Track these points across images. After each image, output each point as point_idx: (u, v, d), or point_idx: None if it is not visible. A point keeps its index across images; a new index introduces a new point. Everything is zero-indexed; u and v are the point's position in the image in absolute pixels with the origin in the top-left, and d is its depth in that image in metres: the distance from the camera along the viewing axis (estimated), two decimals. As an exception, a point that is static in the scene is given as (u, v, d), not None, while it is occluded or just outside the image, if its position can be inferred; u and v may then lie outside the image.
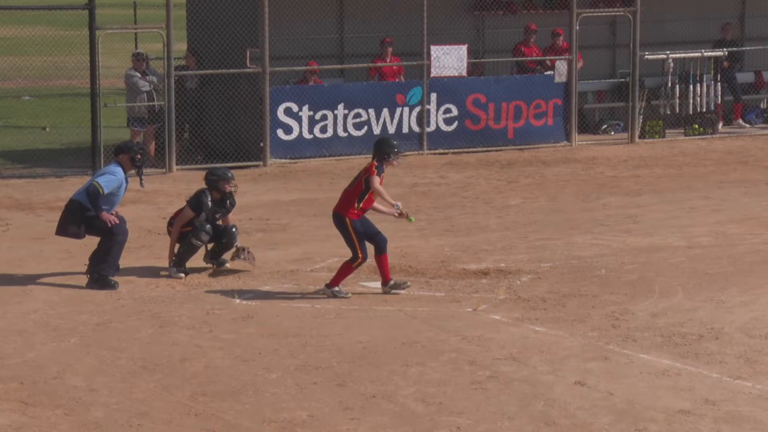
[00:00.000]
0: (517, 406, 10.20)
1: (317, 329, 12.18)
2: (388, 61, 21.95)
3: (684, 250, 15.19)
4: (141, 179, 14.29)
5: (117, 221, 13.74)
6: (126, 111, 21.27)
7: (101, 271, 13.63)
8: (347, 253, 13.12)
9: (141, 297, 13.32)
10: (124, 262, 14.17)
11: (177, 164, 20.59)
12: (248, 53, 20.98)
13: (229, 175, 14.53)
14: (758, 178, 19.80)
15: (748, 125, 24.31)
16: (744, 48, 24.74)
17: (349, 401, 10.29)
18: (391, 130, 21.68)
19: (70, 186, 17.91)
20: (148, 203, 18.19)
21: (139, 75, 21.02)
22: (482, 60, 23.09)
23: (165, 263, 14.59)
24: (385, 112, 21.74)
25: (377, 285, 13.61)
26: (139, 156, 14.01)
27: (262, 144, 20.90)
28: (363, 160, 21.11)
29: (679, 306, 12.97)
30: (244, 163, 20.85)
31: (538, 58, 22.78)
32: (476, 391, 10.53)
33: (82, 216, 13.74)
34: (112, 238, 13.69)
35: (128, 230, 13.96)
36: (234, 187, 14.50)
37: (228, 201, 14.55)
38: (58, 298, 13.27)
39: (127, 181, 14.01)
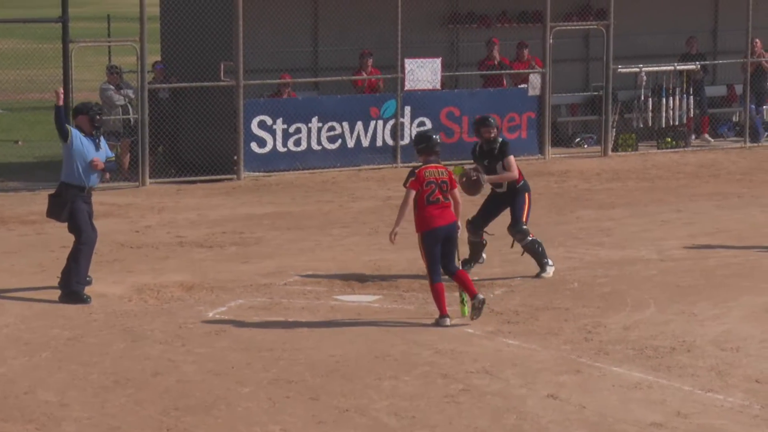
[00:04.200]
0: (490, 420, 10.21)
1: (290, 343, 12.17)
2: (368, 72, 21.97)
3: (656, 263, 15.25)
4: (100, 142, 13.83)
5: (101, 166, 13.61)
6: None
7: (72, 286, 13.59)
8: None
9: (113, 311, 13.28)
10: (96, 276, 14.14)
11: (150, 178, 20.56)
12: (222, 66, 20.97)
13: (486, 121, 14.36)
14: (730, 191, 19.90)
15: (711, 140, 24.32)
16: (716, 62, 24.85)
17: (322, 415, 10.28)
18: (365, 143, 21.72)
19: (42, 200, 17.79)
20: (121, 217, 18.16)
21: (114, 88, 20.98)
22: (456, 73, 23.14)
23: (137, 277, 14.56)
24: (359, 125, 21.76)
25: (351, 299, 13.62)
26: (98, 117, 13.83)
27: (235, 157, 20.89)
28: (337, 174, 21.23)
29: (651, 319, 13.01)
30: (218, 177, 20.85)
31: (520, 71, 22.83)
32: (449, 404, 10.54)
33: (66, 199, 13.62)
34: (79, 243, 13.59)
35: (96, 238, 13.87)
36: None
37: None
38: (29, 313, 13.22)
39: (93, 140, 13.75)
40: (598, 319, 12.97)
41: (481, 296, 12.70)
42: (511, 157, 14.34)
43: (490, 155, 14.34)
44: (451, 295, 13.11)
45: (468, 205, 18.06)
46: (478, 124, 14.46)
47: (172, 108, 21.44)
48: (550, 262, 14.58)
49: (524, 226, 14.48)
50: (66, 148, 13.66)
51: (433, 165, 12.74)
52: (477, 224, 14.65)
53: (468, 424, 10.13)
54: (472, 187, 14.26)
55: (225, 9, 20.98)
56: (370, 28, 22.17)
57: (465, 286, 12.79)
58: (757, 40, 23.95)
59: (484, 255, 14.87)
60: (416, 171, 12.68)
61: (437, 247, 12.65)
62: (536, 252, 14.54)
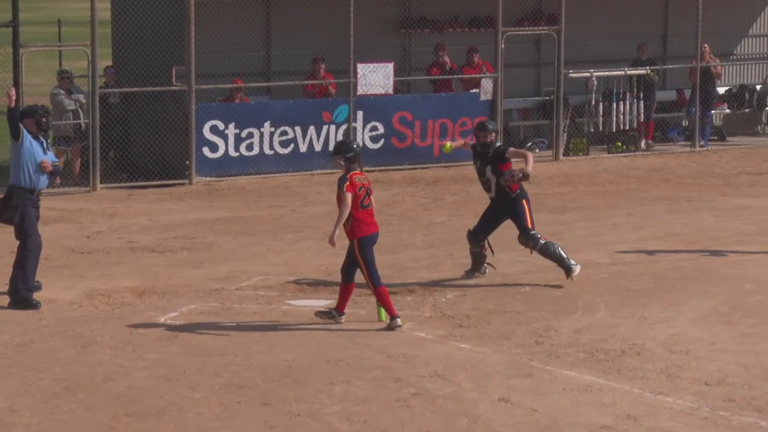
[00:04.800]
0: (442, 423, 10.24)
1: (242, 348, 12.15)
2: (320, 77, 21.97)
3: (607, 267, 15.35)
4: (46, 145, 13.75)
5: (50, 168, 13.54)
6: (52, 129, 21.10)
7: (20, 293, 13.51)
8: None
9: (63, 317, 13.21)
10: (46, 281, 14.06)
11: (101, 183, 20.46)
12: (174, 71, 20.92)
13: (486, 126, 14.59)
14: (680, 195, 20.05)
15: (652, 145, 24.41)
16: (666, 66, 25.03)
17: (273, 420, 10.28)
18: (318, 147, 21.72)
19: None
20: (72, 222, 18.06)
21: (64, 93, 20.87)
22: (409, 78, 23.18)
23: (88, 283, 14.50)
24: (312, 129, 21.76)
25: (304, 303, 13.62)
26: (44, 119, 13.77)
27: (187, 162, 20.83)
28: (289, 178, 21.20)
29: (601, 322, 13.09)
30: (170, 182, 20.78)
31: (471, 75, 22.90)
32: (401, 408, 10.56)
33: (17, 203, 13.53)
34: (25, 249, 13.51)
35: (41, 244, 13.77)
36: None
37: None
38: (-21, 319, 13.13)
39: (41, 143, 13.69)
40: (549, 323, 13.03)
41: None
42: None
43: (483, 158, 14.44)
44: (401, 300, 13.15)
45: (469, 216, 18.05)
46: (477, 128, 14.66)
47: (124, 112, 21.35)
48: (574, 261, 14.45)
49: (532, 232, 14.42)
50: (15, 150, 13.57)
51: (357, 172, 12.82)
52: (477, 235, 14.61)
53: (420, 427, 10.15)
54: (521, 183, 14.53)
55: (177, 13, 20.92)
56: (322, 32, 22.18)
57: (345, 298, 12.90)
58: (706, 45, 24.14)
59: (486, 266, 14.76)
60: (347, 176, 12.73)
61: (373, 251, 12.71)
62: (553, 254, 14.41)
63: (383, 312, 12.85)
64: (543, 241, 14.46)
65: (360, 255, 12.70)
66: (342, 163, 12.84)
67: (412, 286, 14.35)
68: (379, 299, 12.82)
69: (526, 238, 14.43)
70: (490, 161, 14.38)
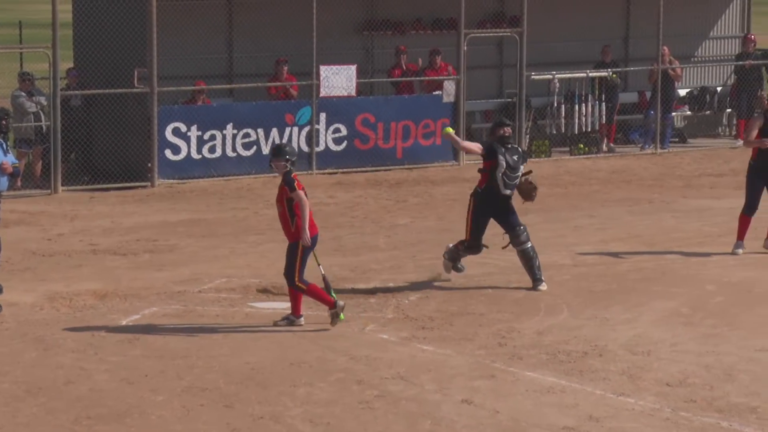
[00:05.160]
0: (405, 425, 10.25)
1: (205, 350, 12.12)
2: (283, 80, 21.94)
3: (569, 269, 15.40)
4: (6, 147, 13.65)
5: (10, 170, 13.46)
6: (12, 132, 20.97)
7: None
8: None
9: (25, 320, 13.14)
10: (7, 284, 13.97)
11: (63, 185, 20.36)
12: (136, 73, 20.84)
13: (505, 121, 14.61)
14: (641, 197, 20.14)
15: (614, 148, 24.50)
16: (627, 68, 25.14)
17: (236, 423, 10.25)
18: (281, 150, 21.64)
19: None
20: (33, 225, 17.96)
21: (25, 95, 20.76)
22: (372, 80, 23.19)
23: (49, 285, 14.42)
24: (275, 131, 21.73)
25: (266, 306, 13.61)
26: (4, 122, 13.70)
27: (149, 164, 20.76)
28: (252, 180, 21.15)
29: (564, 324, 13.14)
30: (132, 184, 20.70)
31: (433, 78, 22.93)
32: (364, 410, 10.56)
33: None
34: None
35: (1, 247, 13.69)
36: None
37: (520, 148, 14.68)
38: (-61, 322, 13.04)
39: (1, 145, 13.58)
40: (512, 325, 13.06)
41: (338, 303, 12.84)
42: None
43: (516, 152, 14.36)
44: (364, 302, 13.11)
45: (432, 218, 18.04)
46: (494, 126, 14.68)
47: (85, 115, 21.25)
48: (542, 278, 14.41)
49: (522, 227, 14.41)
50: None
51: (295, 174, 12.88)
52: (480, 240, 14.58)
53: (383, 429, 10.15)
54: (534, 191, 14.63)
55: (139, 15, 20.85)
56: (285, 34, 22.14)
57: (298, 300, 13.00)
58: (665, 48, 24.25)
59: (461, 266, 14.71)
60: (293, 177, 12.77)
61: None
62: (531, 260, 14.39)
63: (342, 315, 12.86)
64: (530, 245, 14.47)
65: (299, 255, 12.71)
66: (286, 166, 12.84)
67: (374, 288, 14.35)
68: (314, 296, 12.83)
69: (519, 233, 14.42)
70: (524, 157, 14.46)
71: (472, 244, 14.47)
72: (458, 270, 14.70)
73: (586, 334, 12.75)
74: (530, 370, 11.59)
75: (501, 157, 14.22)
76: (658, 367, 11.69)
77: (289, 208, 12.76)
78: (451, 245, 14.66)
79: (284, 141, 21.60)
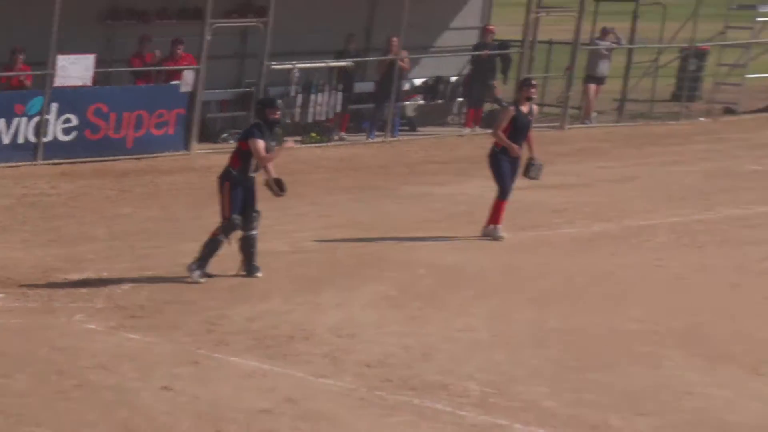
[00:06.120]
0: (100, 414, 10.19)
1: None
2: (19, 69, 21.42)
3: (287, 255, 15.55)
4: None
5: None
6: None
7: None
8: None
9: None
10: None
11: None
12: None
13: (277, 102, 15.00)
14: (367, 185, 20.45)
15: (345, 137, 24.83)
16: (365, 59, 25.45)
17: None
18: (6, 140, 21.16)
19: None
20: None
21: None
22: (109, 69, 22.82)
23: None
24: (2, 122, 21.20)
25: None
26: None
27: None
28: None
29: (275, 309, 13.27)
30: None
31: (173, 68, 22.76)
32: (60, 400, 10.45)
33: None
34: None
35: None
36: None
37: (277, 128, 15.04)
38: None
39: None
40: (224, 311, 13.12)
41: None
42: None
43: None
44: (75, 292, 12.86)
45: (155, 208, 17.66)
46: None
47: None
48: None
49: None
50: None
51: None
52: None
53: (77, 419, 10.08)
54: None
55: None
56: (25, 22, 21.58)
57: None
58: (395, 39, 24.59)
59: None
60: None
61: None
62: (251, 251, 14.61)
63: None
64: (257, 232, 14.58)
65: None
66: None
67: (87, 278, 14.19)
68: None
69: (254, 218, 14.53)
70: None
71: (232, 221, 14.54)
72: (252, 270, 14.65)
73: (295, 318, 12.92)
74: (235, 356, 11.68)
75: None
76: (360, 350, 11.94)
77: None
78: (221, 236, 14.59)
79: (10, 132, 21.14)
